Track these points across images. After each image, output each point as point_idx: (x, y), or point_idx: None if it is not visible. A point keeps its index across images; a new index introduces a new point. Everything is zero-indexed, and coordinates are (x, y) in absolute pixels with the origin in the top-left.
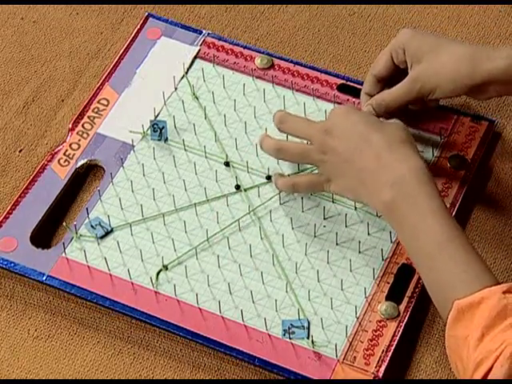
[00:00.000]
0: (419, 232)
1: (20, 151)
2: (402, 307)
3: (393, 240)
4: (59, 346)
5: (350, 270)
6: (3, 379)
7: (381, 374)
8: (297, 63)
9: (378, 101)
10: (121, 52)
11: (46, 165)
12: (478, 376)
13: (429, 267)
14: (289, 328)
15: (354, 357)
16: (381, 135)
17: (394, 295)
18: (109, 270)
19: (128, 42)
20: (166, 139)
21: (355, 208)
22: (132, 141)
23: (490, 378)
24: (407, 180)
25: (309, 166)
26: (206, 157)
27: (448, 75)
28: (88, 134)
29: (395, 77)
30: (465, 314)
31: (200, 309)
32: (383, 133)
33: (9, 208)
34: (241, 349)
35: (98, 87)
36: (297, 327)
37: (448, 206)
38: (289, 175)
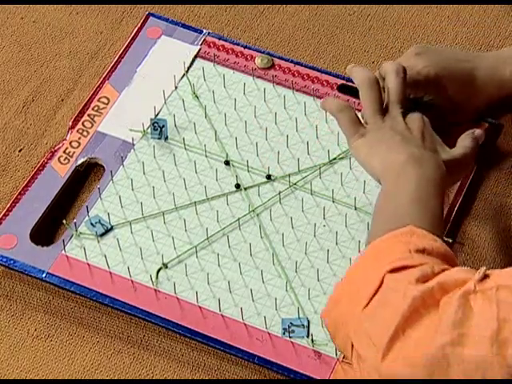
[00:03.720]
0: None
1: (20, 151)
2: None
3: None
4: (59, 345)
5: None
6: (3, 379)
7: None
8: (297, 63)
9: None
10: (121, 51)
11: (46, 163)
12: None
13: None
14: (288, 327)
15: None
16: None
17: None
18: (108, 267)
19: (128, 41)
20: (167, 138)
21: (355, 208)
22: (132, 139)
23: None
24: (426, 159)
25: (309, 166)
26: (206, 155)
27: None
28: (88, 132)
29: None
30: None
31: (200, 307)
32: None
33: (8, 205)
34: (240, 347)
35: (99, 85)
36: (296, 326)
37: (448, 206)
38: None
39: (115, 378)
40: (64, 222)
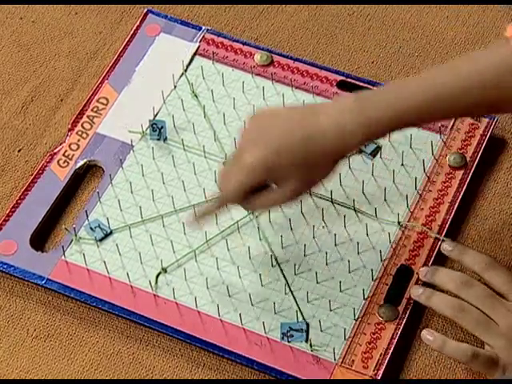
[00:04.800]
0: None
1: (19, 151)
2: (400, 309)
3: (391, 241)
4: (58, 345)
5: (349, 272)
6: (2, 379)
7: (379, 377)
8: (296, 60)
9: None
10: (120, 49)
11: (46, 166)
12: None
13: None
14: (287, 331)
15: (353, 360)
16: None
17: (393, 297)
18: (108, 273)
19: (127, 39)
20: (166, 139)
21: (354, 208)
22: (131, 141)
23: None
24: None
25: None
26: (205, 156)
27: None
28: (87, 134)
29: None
30: None
31: (199, 312)
32: None
33: (8, 211)
34: (239, 352)
35: (98, 85)
36: (295, 330)
37: (447, 205)
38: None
39: (115, 378)
40: (64, 226)
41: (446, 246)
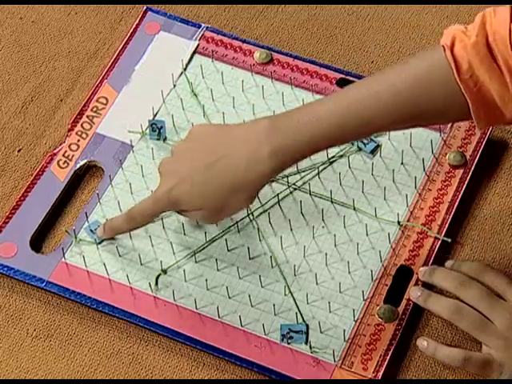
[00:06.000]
0: None
1: (19, 151)
2: (400, 310)
3: (391, 241)
4: (58, 345)
5: (349, 272)
6: (2, 379)
7: (379, 379)
8: (296, 57)
9: None
10: (120, 48)
11: (45, 167)
12: None
13: None
14: (287, 333)
15: (352, 362)
16: None
17: (392, 298)
18: (108, 274)
19: (127, 38)
20: (165, 138)
21: (354, 208)
22: (131, 141)
23: None
24: None
25: (308, 165)
26: None
27: None
28: (87, 134)
29: None
30: None
31: (199, 314)
32: None
33: (8, 212)
34: (239, 355)
35: (97, 85)
36: (295, 332)
37: (447, 204)
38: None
39: (115, 378)
40: (64, 228)
41: (447, 265)
